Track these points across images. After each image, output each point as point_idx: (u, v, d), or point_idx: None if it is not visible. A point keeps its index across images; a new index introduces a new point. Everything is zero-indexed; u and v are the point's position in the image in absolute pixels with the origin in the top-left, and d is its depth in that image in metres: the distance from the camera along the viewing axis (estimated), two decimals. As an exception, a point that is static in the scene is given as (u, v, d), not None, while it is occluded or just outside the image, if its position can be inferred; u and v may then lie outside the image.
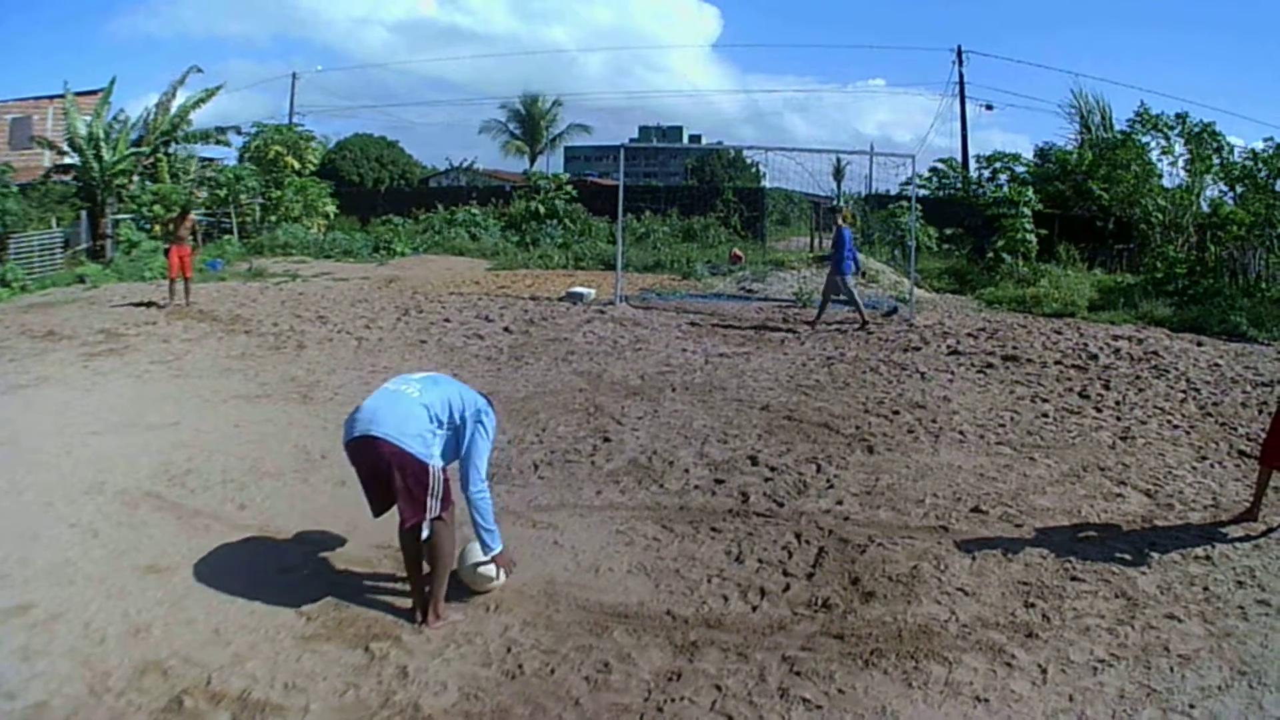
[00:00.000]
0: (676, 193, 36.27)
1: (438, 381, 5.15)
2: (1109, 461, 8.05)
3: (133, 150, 25.76)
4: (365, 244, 28.83)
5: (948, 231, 27.25)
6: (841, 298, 16.04)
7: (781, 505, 6.78)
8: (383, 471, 4.76)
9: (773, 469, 7.62)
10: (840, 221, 15.97)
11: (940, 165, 31.56)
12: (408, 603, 5.09)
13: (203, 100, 28.21)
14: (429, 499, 4.75)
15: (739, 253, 19.48)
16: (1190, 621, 5.01)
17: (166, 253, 17.08)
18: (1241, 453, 8.31)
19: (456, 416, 4.97)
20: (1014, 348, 13.40)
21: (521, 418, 9.10)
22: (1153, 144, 24.96)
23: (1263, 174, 21.99)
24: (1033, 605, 5.17)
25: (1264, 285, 18.71)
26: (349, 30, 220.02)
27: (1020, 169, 27.84)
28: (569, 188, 32.75)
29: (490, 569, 5.19)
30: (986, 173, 28.92)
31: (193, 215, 17.36)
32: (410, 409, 4.84)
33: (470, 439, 4.94)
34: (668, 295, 19.53)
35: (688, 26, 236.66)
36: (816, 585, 5.45)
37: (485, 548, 5.02)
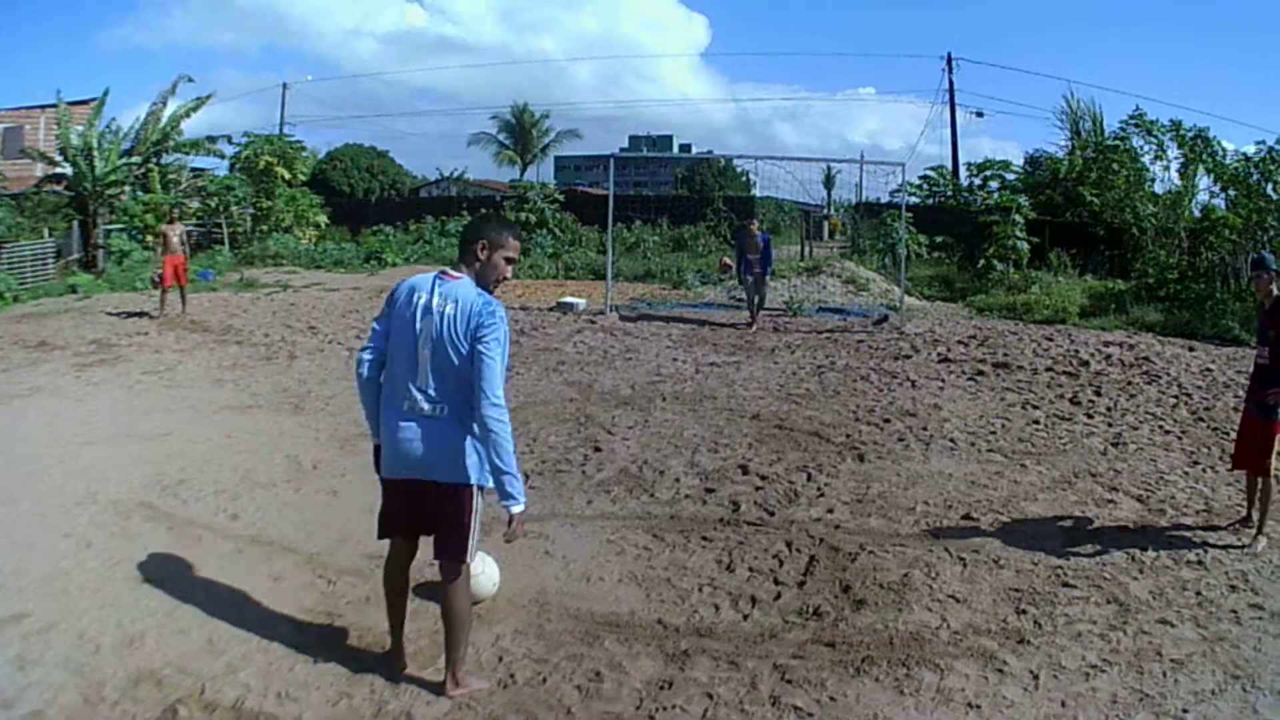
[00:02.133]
0: (667, 202, 36.40)
1: (442, 350, 4.02)
2: (1100, 468, 8.08)
3: (124, 160, 25.72)
4: (356, 254, 28.84)
5: (938, 239, 27.35)
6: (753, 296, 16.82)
7: (772, 514, 6.79)
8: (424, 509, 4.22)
9: (763, 478, 7.63)
10: (758, 229, 16.88)
11: (931, 173, 31.64)
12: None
13: (193, 109, 28.20)
14: (470, 537, 4.17)
15: (729, 261, 19.47)
16: (1183, 626, 5.03)
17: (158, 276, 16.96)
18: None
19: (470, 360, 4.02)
20: (1005, 355, 13.46)
21: (512, 428, 9.08)
22: (1145, 148, 25.03)
23: (1254, 178, 22.07)
24: (1024, 612, 5.18)
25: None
26: (339, 41, 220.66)
27: (1011, 176, 27.90)
28: (556, 195, 32.80)
29: (483, 582, 5.17)
30: (977, 180, 28.99)
31: (179, 224, 17.25)
32: (447, 429, 4.08)
33: (477, 361, 3.98)
34: (658, 304, 19.57)
35: (676, 36, 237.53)
36: (808, 593, 5.45)
37: (506, 496, 4.01)
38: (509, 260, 4.23)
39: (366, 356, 4.24)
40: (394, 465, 4.14)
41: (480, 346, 3.96)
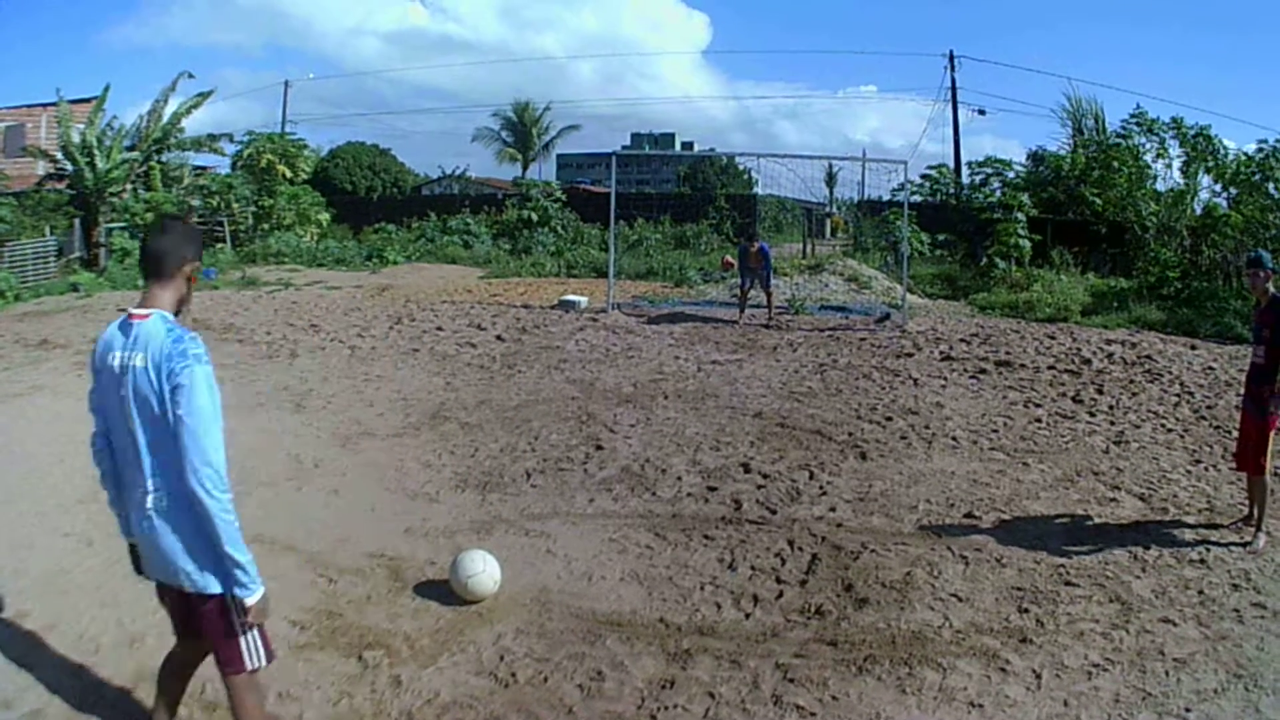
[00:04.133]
0: (669, 200, 36.31)
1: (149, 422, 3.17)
2: (1103, 466, 8.07)
3: (125, 158, 25.69)
4: (358, 252, 28.83)
5: (940, 237, 27.30)
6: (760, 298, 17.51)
7: (774, 512, 6.78)
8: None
9: (765, 476, 7.63)
10: (756, 245, 17.28)
11: (933, 171, 31.57)
12: (401, 611, 5.07)
13: (194, 106, 28.15)
14: (244, 648, 3.28)
15: (731, 259, 19.49)
16: (1185, 625, 5.02)
17: None
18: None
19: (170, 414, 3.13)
20: (1007, 353, 13.44)
21: (514, 426, 9.09)
22: (1147, 146, 25.01)
23: (1256, 176, 22.07)
24: (1027, 610, 5.18)
25: (1257, 287, 18.74)
26: (341, 40, 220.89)
27: (1012, 175, 27.86)
28: (559, 193, 32.80)
29: (484, 580, 5.17)
30: (979, 178, 28.96)
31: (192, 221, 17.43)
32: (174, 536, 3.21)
33: (174, 421, 3.11)
34: (660, 302, 19.54)
35: (677, 33, 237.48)
36: (810, 592, 5.45)
37: (235, 584, 3.15)
38: None
39: (98, 444, 3.44)
40: (145, 565, 3.40)
41: (173, 403, 3.09)
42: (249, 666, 3.29)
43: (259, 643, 3.30)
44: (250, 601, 3.18)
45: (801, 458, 8.18)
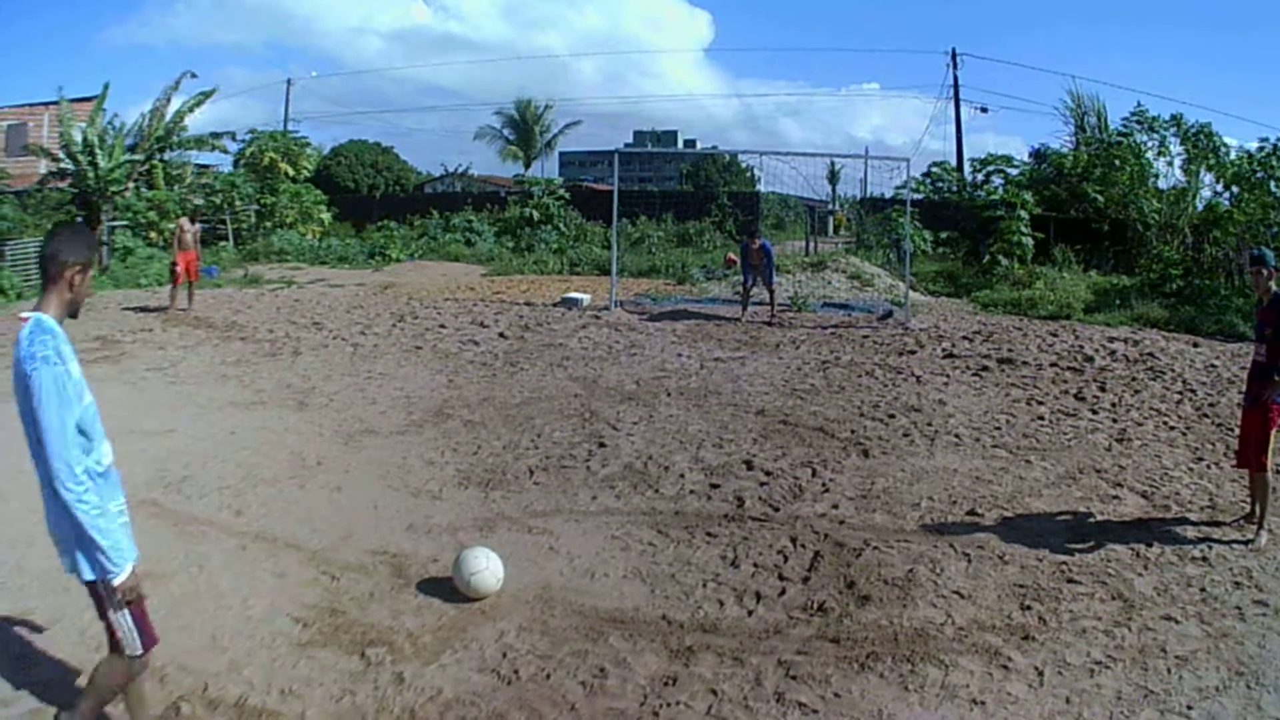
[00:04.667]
0: (671, 197, 36.38)
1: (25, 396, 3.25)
2: (1105, 464, 8.06)
3: (128, 157, 25.67)
4: (361, 250, 28.83)
5: (943, 235, 27.27)
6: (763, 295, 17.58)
7: (777, 509, 6.78)
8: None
9: (768, 473, 7.63)
10: (758, 241, 17.31)
11: (935, 169, 31.52)
12: (404, 608, 5.07)
13: (196, 105, 28.09)
14: (120, 631, 3.50)
15: (733, 257, 19.53)
16: (1187, 623, 5.02)
17: (173, 263, 17.08)
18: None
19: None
20: (1009, 350, 13.43)
21: (517, 423, 9.10)
22: (1149, 144, 24.96)
23: (1259, 175, 22.03)
24: (1029, 608, 5.18)
25: (1260, 285, 18.71)
26: (344, 39, 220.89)
27: (1014, 171, 27.81)
28: (561, 190, 32.79)
29: (487, 578, 5.18)
30: (980, 176, 28.91)
31: (198, 224, 17.62)
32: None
33: (34, 420, 3.23)
34: (663, 300, 19.54)
35: (680, 32, 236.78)
36: (812, 589, 5.44)
37: (99, 570, 3.33)
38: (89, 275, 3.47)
39: None
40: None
41: (29, 401, 3.20)
42: (127, 650, 3.51)
43: (133, 627, 3.50)
44: (117, 582, 3.35)
45: (804, 455, 8.18)
